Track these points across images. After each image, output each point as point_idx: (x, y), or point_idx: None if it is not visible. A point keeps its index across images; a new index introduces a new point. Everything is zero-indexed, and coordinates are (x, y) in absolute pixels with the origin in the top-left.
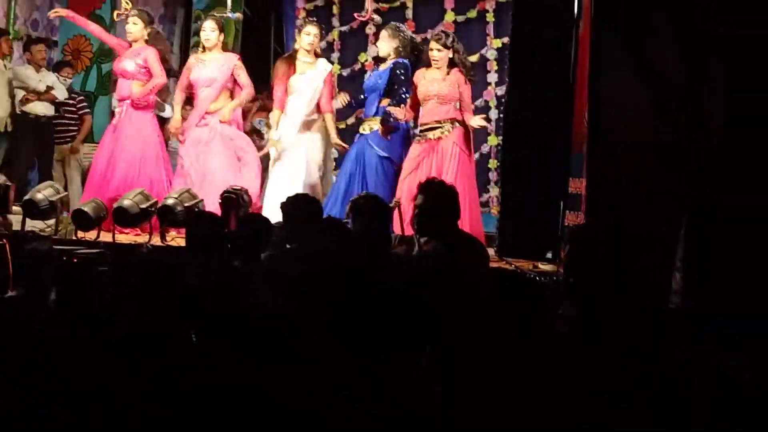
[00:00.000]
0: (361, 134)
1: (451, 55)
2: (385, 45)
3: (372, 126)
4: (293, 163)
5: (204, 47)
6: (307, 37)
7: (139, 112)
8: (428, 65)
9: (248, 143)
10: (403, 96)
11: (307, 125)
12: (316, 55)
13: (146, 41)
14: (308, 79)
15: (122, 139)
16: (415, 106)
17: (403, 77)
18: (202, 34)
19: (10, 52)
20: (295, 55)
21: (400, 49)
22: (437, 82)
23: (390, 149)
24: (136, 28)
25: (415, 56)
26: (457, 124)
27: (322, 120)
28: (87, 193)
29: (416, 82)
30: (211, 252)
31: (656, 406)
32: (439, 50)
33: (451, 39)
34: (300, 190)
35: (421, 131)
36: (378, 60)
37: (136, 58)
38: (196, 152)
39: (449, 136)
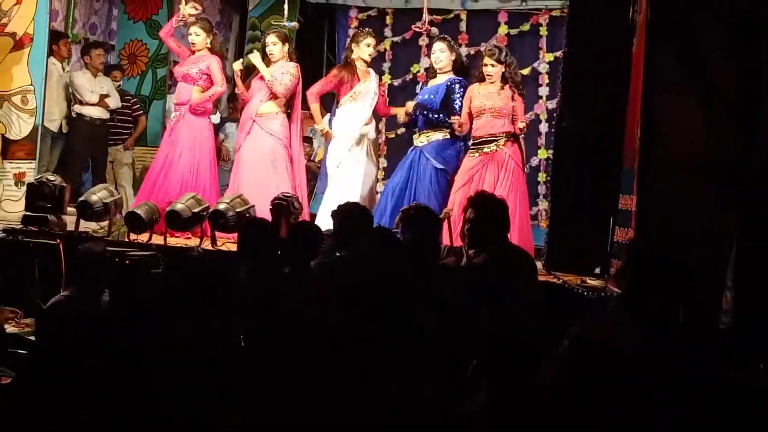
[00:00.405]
0: (416, 146)
1: (503, 70)
2: (445, 57)
3: (429, 137)
4: (352, 173)
5: (270, 61)
6: (367, 48)
7: (196, 117)
8: (480, 80)
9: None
10: (457, 112)
11: (366, 131)
12: (368, 65)
13: (209, 49)
14: (367, 86)
15: (179, 144)
16: (469, 119)
17: (459, 94)
18: (266, 48)
19: (68, 55)
20: (354, 64)
21: (457, 63)
22: (492, 96)
23: (446, 162)
24: (199, 38)
25: (464, 72)
26: (512, 138)
27: (374, 129)
28: (141, 196)
29: (470, 96)
30: (262, 258)
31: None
32: (492, 65)
33: (504, 54)
34: (357, 199)
35: (474, 144)
36: (429, 72)
37: (200, 64)
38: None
39: (504, 149)
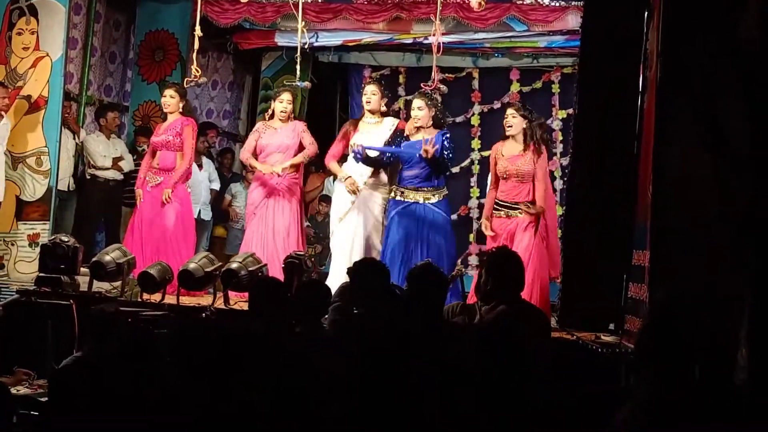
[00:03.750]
0: (418, 202)
1: (524, 125)
2: (425, 114)
3: (435, 197)
4: (354, 223)
5: (279, 118)
6: (365, 96)
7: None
8: (504, 138)
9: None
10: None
11: (373, 185)
12: (383, 115)
13: (181, 113)
14: (373, 138)
15: (165, 207)
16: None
17: (452, 144)
18: (279, 105)
19: (68, 114)
20: (361, 117)
21: (438, 118)
22: (516, 160)
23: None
24: (173, 101)
25: (442, 124)
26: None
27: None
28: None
29: (494, 157)
30: (273, 317)
31: None
32: (513, 116)
33: (526, 109)
34: (361, 250)
35: (500, 205)
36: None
37: (176, 128)
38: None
39: (526, 217)
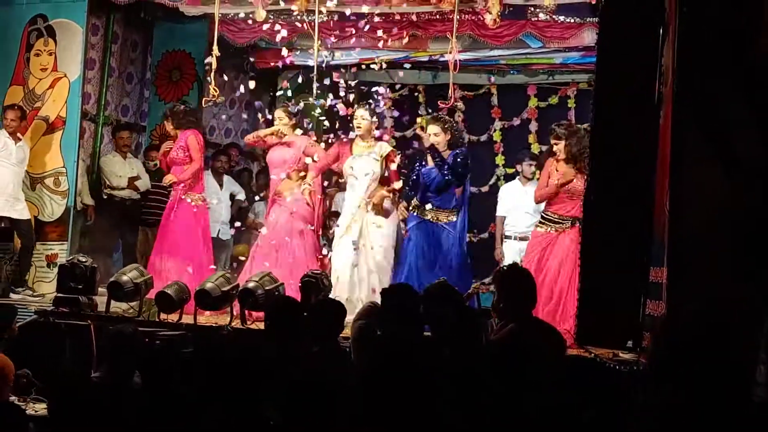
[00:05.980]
0: (431, 221)
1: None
2: (441, 139)
3: (450, 218)
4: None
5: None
6: (355, 121)
7: (191, 194)
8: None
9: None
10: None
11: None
12: (376, 139)
13: (180, 128)
14: (364, 162)
15: (185, 221)
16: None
17: (464, 160)
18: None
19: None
20: (353, 139)
21: (452, 141)
22: (568, 175)
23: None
24: (169, 125)
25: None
26: (578, 223)
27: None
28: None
29: (549, 171)
30: (290, 337)
31: None
32: (555, 144)
33: (563, 129)
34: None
35: (545, 220)
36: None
37: (179, 142)
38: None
39: (569, 232)
